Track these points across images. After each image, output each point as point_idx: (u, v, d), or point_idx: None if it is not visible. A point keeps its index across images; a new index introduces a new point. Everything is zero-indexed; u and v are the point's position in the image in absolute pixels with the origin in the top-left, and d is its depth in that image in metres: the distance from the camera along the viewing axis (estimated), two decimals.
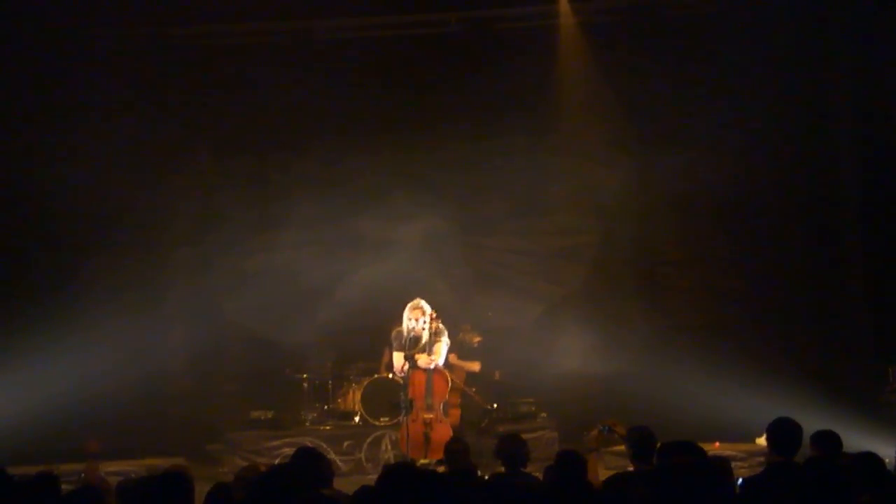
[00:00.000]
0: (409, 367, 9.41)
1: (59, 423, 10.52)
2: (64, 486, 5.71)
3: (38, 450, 10.04)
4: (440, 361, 9.57)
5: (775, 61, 11.95)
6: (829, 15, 11.95)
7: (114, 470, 9.96)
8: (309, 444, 9.74)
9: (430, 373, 9.44)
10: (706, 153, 11.85)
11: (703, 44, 12.12)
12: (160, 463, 9.87)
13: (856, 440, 7.32)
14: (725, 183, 12.11)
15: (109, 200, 12.07)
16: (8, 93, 11.60)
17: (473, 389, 10.90)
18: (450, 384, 9.72)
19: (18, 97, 11.68)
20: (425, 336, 9.50)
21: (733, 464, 5.61)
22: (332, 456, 10.69)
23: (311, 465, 5.69)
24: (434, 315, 9.56)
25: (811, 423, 5.76)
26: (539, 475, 6.24)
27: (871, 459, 5.15)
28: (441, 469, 6.79)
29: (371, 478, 4.21)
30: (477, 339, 11.29)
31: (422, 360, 9.44)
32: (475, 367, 11.13)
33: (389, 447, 11.04)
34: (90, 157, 11.71)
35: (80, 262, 11.96)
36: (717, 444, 10.18)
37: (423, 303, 9.63)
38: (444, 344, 9.61)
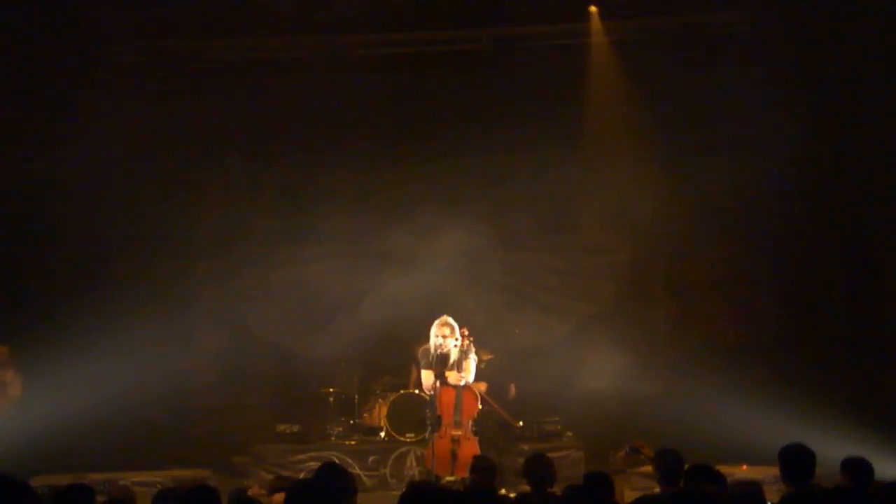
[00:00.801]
0: (440, 384, 9.38)
1: (85, 433, 10.57)
2: None
3: (65, 460, 10.12)
4: (470, 379, 9.53)
5: (806, 75, 11.85)
6: (861, 23, 11.81)
7: (140, 480, 10.00)
8: (334, 459, 9.74)
9: (460, 390, 9.39)
10: (738, 170, 11.78)
11: (733, 59, 12.07)
12: (186, 474, 9.95)
13: (889, 468, 7.21)
14: (757, 201, 12.04)
15: (139, 211, 12.16)
16: (42, 103, 11.70)
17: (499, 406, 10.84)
18: (479, 401, 9.68)
19: (52, 107, 11.78)
20: (454, 353, 9.45)
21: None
22: (356, 471, 10.71)
23: (334, 480, 5.69)
24: (466, 333, 9.52)
25: (842, 448, 5.68)
26: None
27: None
28: (466, 488, 6.76)
29: (395, 494, 4.20)
30: (487, 356, 11.17)
31: (451, 377, 9.39)
32: (480, 387, 10.89)
33: (415, 463, 11.01)
34: (121, 167, 11.82)
35: (109, 273, 12.06)
36: (744, 466, 10.08)
37: (450, 320, 9.59)
38: (473, 361, 9.57)
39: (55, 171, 11.61)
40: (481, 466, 6.89)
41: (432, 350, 9.51)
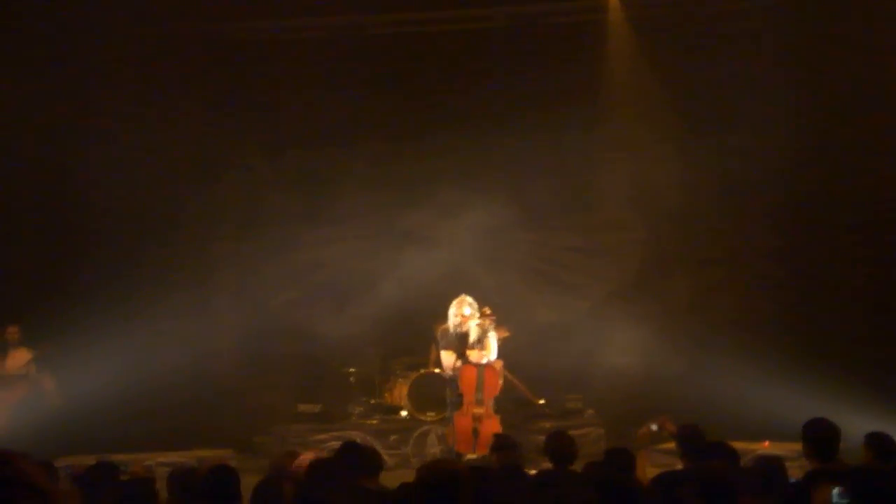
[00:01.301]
0: (461, 363, 9.40)
1: (109, 414, 10.65)
2: None
3: (89, 441, 10.21)
4: (492, 357, 9.53)
5: (824, 50, 11.72)
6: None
7: (163, 461, 10.08)
8: (356, 439, 9.77)
9: (482, 368, 9.41)
10: (757, 147, 11.70)
11: (752, 35, 11.96)
12: (208, 454, 10.02)
13: None
14: (776, 177, 11.96)
15: (161, 196, 12.19)
16: (64, 96, 11.73)
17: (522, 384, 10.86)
18: (501, 379, 9.69)
19: (74, 99, 11.81)
20: (474, 332, 9.46)
21: (785, 464, 5.49)
22: (378, 450, 10.71)
23: (355, 457, 5.73)
24: (488, 312, 9.51)
25: (867, 423, 5.65)
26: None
27: None
28: (488, 466, 6.77)
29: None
30: (504, 334, 11.15)
31: (473, 355, 9.41)
32: (497, 365, 10.85)
33: (436, 442, 11.06)
34: (144, 155, 11.85)
35: (133, 257, 12.11)
36: (767, 443, 10.06)
37: (469, 299, 9.60)
38: (493, 339, 9.58)
39: (82, 159, 11.67)
40: (503, 444, 6.90)
41: (451, 329, 9.53)
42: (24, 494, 1.62)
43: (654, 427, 6.33)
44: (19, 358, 11.16)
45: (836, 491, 4.07)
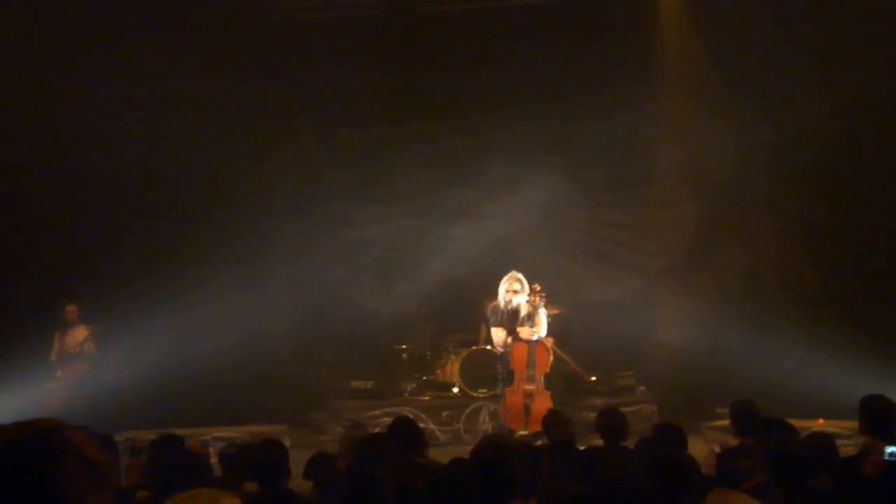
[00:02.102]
0: (511, 340, 9.41)
1: (166, 390, 10.83)
2: None
3: (147, 416, 10.40)
4: (542, 333, 9.53)
5: (879, 24, 11.47)
6: None
7: (218, 436, 10.24)
8: (408, 415, 9.85)
9: (532, 344, 9.42)
10: (810, 122, 11.50)
11: (805, 10, 11.74)
12: (263, 430, 10.16)
13: None
14: (829, 151, 11.77)
15: (218, 176, 12.32)
16: (116, 73, 11.87)
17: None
18: (552, 355, 9.68)
19: (126, 77, 11.95)
20: (524, 309, 9.47)
21: (837, 441, 5.44)
22: (430, 426, 10.82)
23: (405, 433, 5.79)
24: (538, 288, 9.51)
25: None
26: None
27: None
28: (539, 442, 6.81)
29: (469, 449, 4.25)
30: (553, 311, 11.11)
31: (524, 332, 9.41)
32: (547, 342, 10.79)
33: (488, 418, 11.10)
34: (199, 135, 11.97)
35: (189, 236, 12.26)
36: (821, 420, 9.95)
37: (519, 275, 9.60)
38: (544, 315, 9.57)
39: (134, 137, 11.85)
40: (555, 421, 6.92)
41: (502, 306, 9.53)
42: (73, 464, 1.67)
43: (716, 448, 6.29)
44: (77, 335, 11.43)
45: (890, 449, 4.05)
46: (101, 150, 11.89)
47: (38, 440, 1.67)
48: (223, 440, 9.82)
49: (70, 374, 11.28)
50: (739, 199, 12.64)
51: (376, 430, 8.53)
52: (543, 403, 9.09)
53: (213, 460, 6.79)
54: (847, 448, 8.27)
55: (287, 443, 7.44)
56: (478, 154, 12.43)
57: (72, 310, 11.48)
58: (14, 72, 11.36)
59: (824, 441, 5.00)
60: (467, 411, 11.30)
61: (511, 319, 9.50)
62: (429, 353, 12.20)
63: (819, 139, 11.58)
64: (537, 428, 7.82)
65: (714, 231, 12.79)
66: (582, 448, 6.61)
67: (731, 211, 12.73)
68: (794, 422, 5.64)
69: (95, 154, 11.91)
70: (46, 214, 11.82)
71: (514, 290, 9.50)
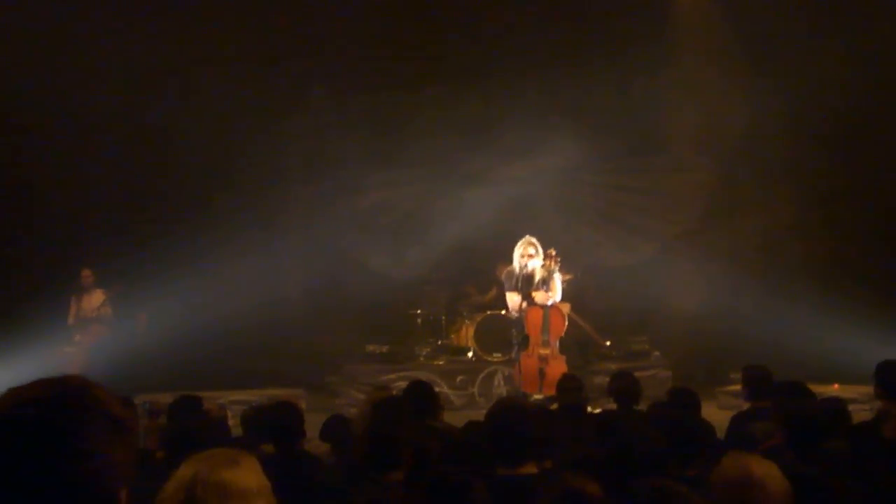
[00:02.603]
0: (527, 304, 9.43)
1: (183, 353, 10.91)
2: None
3: (165, 379, 10.49)
4: (557, 298, 9.55)
5: None
6: None
7: (236, 399, 10.34)
8: (423, 379, 9.89)
9: (547, 309, 9.44)
10: (828, 86, 11.41)
11: None
12: (280, 393, 10.24)
13: None
14: (847, 116, 11.69)
15: (229, 142, 12.33)
16: (137, 43, 11.85)
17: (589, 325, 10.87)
18: (566, 320, 9.70)
19: (142, 45, 11.93)
20: (539, 273, 9.47)
21: (852, 406, 5.46)
22: (445, 390, 10.87)
23: (421, 397, 5.84)
24: (554, 253, 9.50)
25: None
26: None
27: None
28: (554, 406, 6.84)
29: (484, 412, 4.29)
30: (567, 277, 11.11)
31: (539, 296, 9.43)
32: (564, 308, 10.80)
33: (502, 382, 11.14)
34: (210, 100, 11.97)
35: (203, 202, 12.31)
36: (836, 385, 9.96)
37: (534, 240, 9.59)
38: (559, 280, 9.58)
39: (149, 103, 11.86)
40: (570, 385, 6.95)
41: (517, 271, 9.54)
42: (100, 422, 1.70)
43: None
44: (94, 300, 11.53)
45: None
46: (116, 114, 11.91)
47: (64, 396, 1.69)
48: (240, 403, 9.94)
49: (88, 338, 11.38)
50: (756, 164, 12.58)
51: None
52: (558, 368, 9.11)
53: (231, 422, 6.88)
54: (862, 413, 8.30)
55: (303, 406, 7.53)
56: (492, 119, 12.40)
57: (87, 275, 11.57)
58: (29, 33, 11.34)
59: (837, 405, 5.01)
60: (482, 375, 11.35)
61: (526, 284, 9.51)
62: (443, 317, 12.23)
63: (837, 104, 11.50)
64: (552, 392, 7.84)
65: (730, 196, 12.76)
66: (596, 412, 6.65)
67: (747, 176, 12.69)
68: (810, 387, 5.64)
69: (110, 117, 11.93)
70: (61, 178, 11.86)
71: (528, 255, 9.50)
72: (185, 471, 2.46)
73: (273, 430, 5.05)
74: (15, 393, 1.71)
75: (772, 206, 12.61)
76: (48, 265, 11.85)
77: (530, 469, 3.93)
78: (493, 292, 11.66)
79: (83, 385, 1.73)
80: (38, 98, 11.55)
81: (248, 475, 2.47)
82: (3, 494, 1.62)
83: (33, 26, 11.31)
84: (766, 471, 3.12)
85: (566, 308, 10.33)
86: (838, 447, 4.22)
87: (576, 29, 12.33)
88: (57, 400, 1.68)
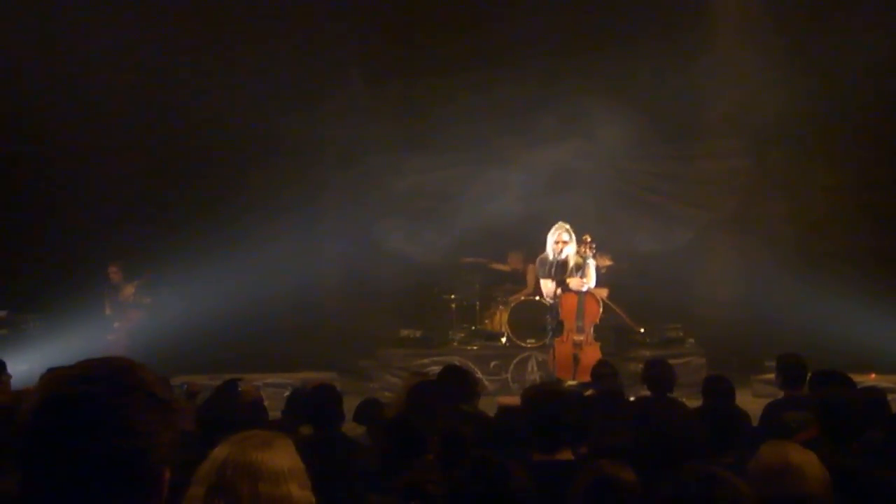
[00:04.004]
0: (561, 291, 9.41)
1: (220, 337, 11.01)
2: None
3: (202, 362, 10.60)
4: (592, 284, 9.52)
5: None
6: None
7: (271, 382, 10.43)
8: (456, 363, 9.92)
9: (582, 295, 9.42)
10: (866, 75, 11.28)
11: None
12: (314, 377, 10.32)
13: None
14: (884, 103, 11.54)
15: (268, 124, 12.37)
16: (172, 27, 11.90)
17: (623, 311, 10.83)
18: (601, 306, 9.67)
19: (181, 30, 11.98)
20: (573, 260, 9.45)
21: (890, 396, 5.41)
22: (479, 375, 10.89)
23: (456, 381, 5.85)
24: (589, 240, 9.47)
25: None
26: (685, 400, 6.24)
27: None
28: (589, 392, 6.84)
29: (517, 398, 4.30)
30: (606, 263, 11.05)
31: (573, 282, 9.41)
32: (602, 293, 10.60)
33: (536, 368, 11.16)
34: (248, 85, 12.02)
35: (240, 186, 12.40)
36: (873, 374, 9.88)
37: (567, 226, 9.56)
38: (593, 266, 9.54)
39: (183, 88, 11.91)
40: (604, 371, 6.95)
41: (551, 257, 9.51)
42: (146, 401, 1.73)
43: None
44: (126, 292, 11.62)
45: None
46: (152, 99, 11.99)
47: (111, 376, 1.73)
48: (275, 386, 10.03)
49: (127, 323, 11.46)
50: (792, 151, 12.47)
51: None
52: (593, 354, 9.10)
53: (266, 404, 6.94)
54: None
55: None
56: (529, 104, 12.35)
57: (114, 271, 11.64)
58: (55, 15, 11.39)
59: (877, 395, 4.97)
60: (515, 361, 11.36)
61: (560, 271, 9.49)
62: (477, 302, 12.25)
63: (875, 90, 11.36)
64: (586, 378, 7.85)
65: (766, 183, 12.65)
66: (631, 399, 6.64)
67: (783, 163, 12.57)
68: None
69: (147, 101, 12.02)
70: (102, 164, 11.97)
71: (563, 241, 9.46)
72: (219, 452, 2.49)
73: (312, 412, 5.08)
74: (62, 372, 1.74)
75: (808, 193, 12.51)
76: (81, 253, 11.91)
77: (566, 455, 3.94)
78: (512, 260, 11.77)
79: (128, 365, 1.77)
80: (70, 86, 11.62)
81: (281, 457, 2.49)
82: (53, 470, 1.66)
83: (59, 7, 11.38)
84: (804, 458, 3.11)
85: (604, 294, 10.32)
86: (877, 438, 4.19)
87: (613, 14, 12.24)
88: (104, 379, 1.71)
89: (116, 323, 11.54)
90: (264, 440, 2.52)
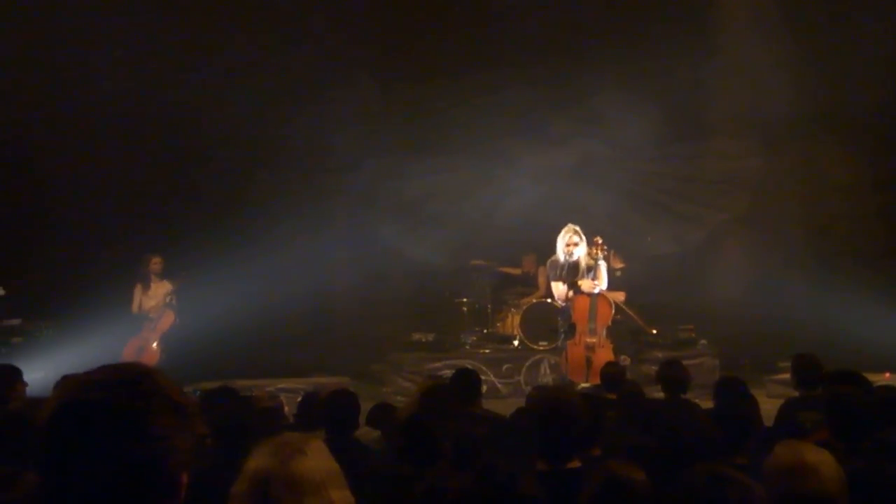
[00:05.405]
0: (573, 293, 9.40)
1: (232, 343, 10.99)
2: None
3: (214, 368, 10.58)
4: (603, 286, 9.50)
5: None
6: None
7: (283, 387, 10.43)
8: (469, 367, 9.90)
9: (594, 297, 9.40)
10: (876, 74, 11.24)
11: None
12: (327, 381, 10.33)
13: None
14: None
15: (276, 128, 12.39)
16: (186, 30, 11.92)
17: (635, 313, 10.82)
18: (613, 308, 9.65)
19: (194, 33, 12.00)
20: (584, 261, 9.43)
21: None
22: (490, 378, 10.89)
23: (468, 385, 5.85)
24: (600, 241, 9.46)
25: None
26: (699, 402, 6.23)
27: None
28: (611, 395, 6.82)
29: None
30: (620, 265, 11.01)
31: (585, 284, 9.38)
32: (619, 296, 10.64)
33: (548, 371, 11.14)
34: (257, 87, 12.04)
35: (248, 188, 12.40)
36: (888, 374, 9.84)
37: (577, 228, 9.54)
38: (604, 268, 9.53)
39: (195, 89, 11.92)
40: (612, 371, 6.94)
41: (561, 260, 9.49)
42: (161, 406, 1.73)
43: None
44: (161, 289, 10.85)
45: None
46: (161, 106, 12.00)
47: (129, 381, 1.74)
48: (288, 391, 10.03)
49: (163, 326, 10.90)
50: (804, 151, 12.43)
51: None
52: (605, 356, 9.08)
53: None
54: None
55: None
56: (539, 106, 12.35)
57: (157, 262, 10.85)
58: (67, 11, 11.40)
59: (891, 394, 4.95)
60: (528, 364, 11.35)
61: (571, 273, 9.46)
62: (489, 305, 12.25)
63: (886, 90, 11.32)
64: (598, 380, 7.82)
65: (777, 183, 12.61)
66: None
67: (794, 163, 12.53)
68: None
69: (156, 108, 12.02)
70: (112, 172, 11.97)
71: (573, 243, 9.43)
72: (255, 464, 2.47)
73: (329, 417, 5.07)
74: (80, 378, 1.75)
75: (819, 193, 12.48)
76: (93, 260, 11.84)
77: (574, 464, 3.94)
78: (527, 264, 11.77)
79: (146, 371, 1.78)
80: (79, 90, 11.61)
81: (318, 463, 2.49)
82: (71, 476, 1.67)
83: (63, 10, 11.40)
84: (819, 458, 3.10)
85: (620, 296, 10.30)
86: (893, 437, 4.17)
87: (623, 15, 12.24)
88: (123, 385, 1.72)
89: (151, 324, 10.71)
90: (297, 448, 2.51)
